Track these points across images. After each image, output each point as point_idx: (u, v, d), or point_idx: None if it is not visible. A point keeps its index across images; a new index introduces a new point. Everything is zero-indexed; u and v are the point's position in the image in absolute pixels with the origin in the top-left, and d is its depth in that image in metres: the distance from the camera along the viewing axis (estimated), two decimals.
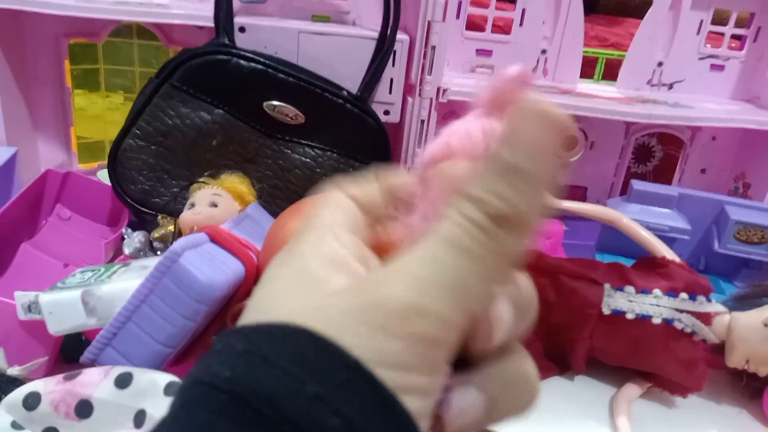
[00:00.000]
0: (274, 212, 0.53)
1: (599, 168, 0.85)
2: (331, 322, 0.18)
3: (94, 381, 0.39)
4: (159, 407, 0.39)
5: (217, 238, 0.44)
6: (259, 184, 0.63)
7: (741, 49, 0.81)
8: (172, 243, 0.53)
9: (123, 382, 0.39)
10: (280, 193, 0.64)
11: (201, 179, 0.57)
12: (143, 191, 0.62)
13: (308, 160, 0.64)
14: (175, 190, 0.62)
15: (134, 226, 0.63)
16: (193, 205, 0.54)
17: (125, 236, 0.55)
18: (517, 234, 0.18)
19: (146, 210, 0.62)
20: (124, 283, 0.43)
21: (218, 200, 0.54)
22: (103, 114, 0.76)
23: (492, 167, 0.18)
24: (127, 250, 0.53)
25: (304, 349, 0.17)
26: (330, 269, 0.20)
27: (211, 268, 0.41)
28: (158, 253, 0.54)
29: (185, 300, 0.40)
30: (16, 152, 0.63)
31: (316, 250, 0.21)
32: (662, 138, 0.87)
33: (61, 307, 0.42)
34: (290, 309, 0.19)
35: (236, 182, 0.57)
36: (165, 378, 0.40)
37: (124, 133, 0.61)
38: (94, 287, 0.43)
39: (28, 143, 0.71)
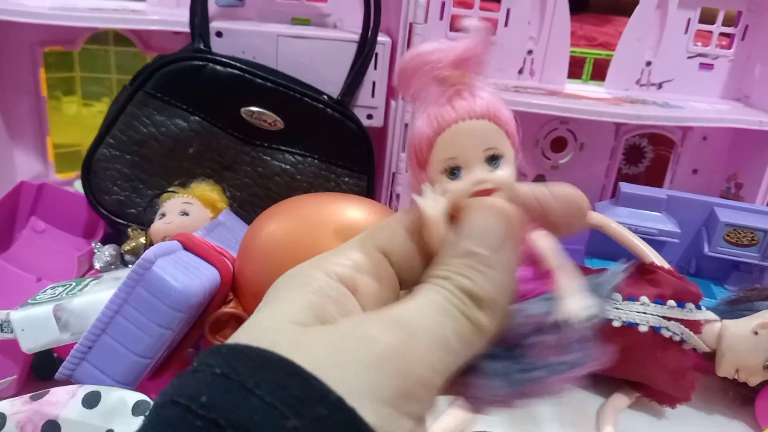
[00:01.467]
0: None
1: (589, 170, 0.84)
2: (315, 355, 0.18)
3: (61, 401, 0.38)
4: (128, 427, 0.38)
5: (190, 246, 0.43)
6: (238, 192, 0.62)
7: (730, 47, 0.80)
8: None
9: (91, 401, 0.38)
10: (259, 201, 0.62)
11: (171, 188, 0.55)
12: (118, 202, 0.61)
13: (288, 166, 0.62)
14: (149, 199, 0.60)
15: (110, 238, 0.61)
16: (163, 215, 0.52)
17: (95, 250, 0.53)
18: (487, 309, 0.21)
19: (121, 221, 0.61)
20: (96, 295, 0.42)
21: (189, 209, 0.53)
22: (80, 122, 0.74)
23: (453, 252, 0.22)
24: (97, 264, 0.52)
25: (284, 381, 0.17)
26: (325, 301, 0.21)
27: (186, 275, 0.40)
28: (129, 265, 0.52)
29: (161, 308, 0.39)
30: None
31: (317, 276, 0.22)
32: (653, 139, 0.86)
33: (33, 323, 0.41)
34: (275, 337, 0.19)
35: (207, 190, 0.56)
36: (134, 397, 0.38)
37: (97, 142, 0.60)
38: (65, 301, 0.42)
39: (4, 154, 0.69)
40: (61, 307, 0.41)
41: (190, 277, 0.39)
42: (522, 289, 0.25)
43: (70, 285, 0.45)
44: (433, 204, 0.25)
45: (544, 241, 0.26)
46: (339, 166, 0.64)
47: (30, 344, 0.41)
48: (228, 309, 0.45)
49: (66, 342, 0.42)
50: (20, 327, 0.41)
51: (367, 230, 0.25)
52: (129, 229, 0.56)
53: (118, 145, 0.60)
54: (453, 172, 0.25)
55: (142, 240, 0.54)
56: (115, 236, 0.61)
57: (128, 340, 0.39)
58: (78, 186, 0.72)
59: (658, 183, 0.86)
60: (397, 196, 0.72)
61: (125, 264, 0.53)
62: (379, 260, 0.23)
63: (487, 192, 0.25)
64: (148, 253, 0.38)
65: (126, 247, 0.54)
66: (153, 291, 0.38)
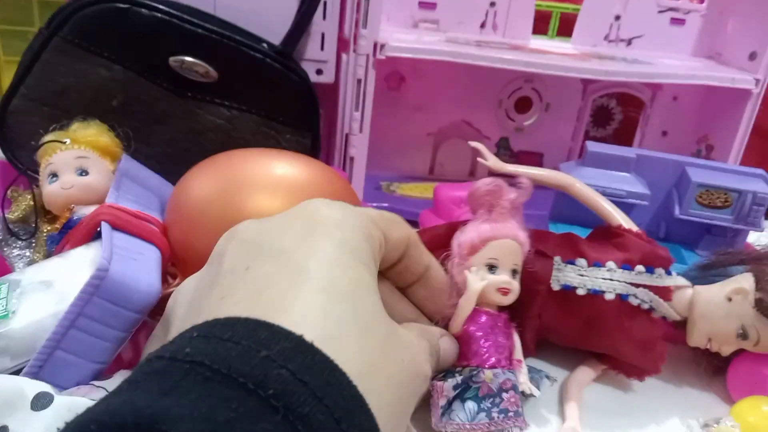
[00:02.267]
0: None
1: (556, 132, 0.80)
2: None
3: None
4: (26, 423, 0.32)
5: (120, 225, 0.37)
6: (169, 148, 0.56)
7: (701, 2, 0.75)
8: (36, 223, 0.45)
9: None
10: (192, 157, 0.56)
11: (49, 137, 0.46)
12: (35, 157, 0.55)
13: (223, 121, 0.57)
14: None
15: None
16: (54, 176, 0.45)
17: None
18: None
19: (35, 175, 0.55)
20: (33, 315, 0.36)
21: (86, 164, 0.44)
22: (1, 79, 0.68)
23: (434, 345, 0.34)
24: None
25: (253, 329, 0.21)
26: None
27: (140, 269, 0.35)
28: (20, 238, 0.45)
29: (123, 314, 0.34)
30: None
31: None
32: (622, 99, 0.82)
33: None
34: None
35: (95, 134, 0.47)
36: (34, 388, 0.33)
37: (11, 93, 0.53)
38: (1, 327, 0.35)
39: None
40: None
41: (144, 271, 0.34)
42: (501, 361, 0.40)
43: None
44: (477, 281, 0.40)
45: (516, 339, 0.43)
46: (280, 122, 0.58)
47: None
48: (172, 288, 0.40)
49: (10, 368, 0.36)
50: None
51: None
52: (9, 191, 0.48)
53: (34, 95, 0.54)
54: (492, 267, 0.41)
55: (28, 204, 0.47)
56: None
57: (84, 350, 0.34)
58: None
59: (626, 145, 0.82)
60: (351, 159, 0.67)
61: (14, 235, 0.45)
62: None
63: (506, 291, 0.41)
64: (103, 261, 0.33)
65: (12, 215, 0.46)
66: (112, 298, 0.33)
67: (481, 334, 0.40)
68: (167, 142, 0.57)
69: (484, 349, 0.40)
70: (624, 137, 0.83)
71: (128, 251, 0.36)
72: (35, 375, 0.34)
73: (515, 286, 0.41)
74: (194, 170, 0.46)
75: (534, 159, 0.81)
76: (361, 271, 0.26)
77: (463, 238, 0.42)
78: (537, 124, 0.78)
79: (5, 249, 0.44)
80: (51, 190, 0.44)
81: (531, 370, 0.44)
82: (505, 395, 0.39)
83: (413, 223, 0.69)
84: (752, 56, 0.71)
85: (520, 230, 0.42)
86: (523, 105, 0.78)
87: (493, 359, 0.40)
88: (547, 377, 0.45)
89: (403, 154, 0.79)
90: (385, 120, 0.74)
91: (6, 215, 0.46)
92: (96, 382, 0.35)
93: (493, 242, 0.40)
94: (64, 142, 0.45)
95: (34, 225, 0.45)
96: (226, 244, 0.28)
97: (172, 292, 0.38)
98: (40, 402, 0.32)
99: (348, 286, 0.24)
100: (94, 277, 0.33)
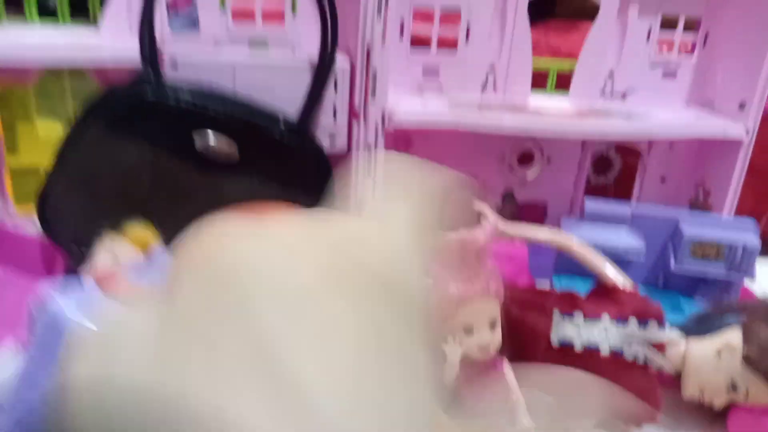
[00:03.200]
0: None
1: (558, 183, 0.83)
2: None
3: None
4: None
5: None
6: (194, 221, 0.61)
7: (692, 53, 0.79)
8: None
9: None
10: None
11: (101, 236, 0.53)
12: (74, 234, 0.59)
13: (244, 195, 0.61)
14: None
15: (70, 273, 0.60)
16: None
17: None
18: None
19: (80, 252, 0.60)
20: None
21: (120, 253, 0.51)
22: (39, 159, 0.73)
23: None
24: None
25: None
26: None
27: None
28: None
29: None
30: None
31: None
32: (620, 148, 0.85)
33: None
34: None
35: (138, 231, 0.53)
36: None
37: (50, 177, 0.58)
38: None
39: None
40: None
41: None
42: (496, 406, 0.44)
43: None
44: (453, 351, 0.43)
45: (510, 374, 0.46)
46: (297, 193, 0.62)
47: None
48: None
49: None
50: None
51: None
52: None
53: (71, 178, 0.59)
54: (468, 330, 0.44)
55: None
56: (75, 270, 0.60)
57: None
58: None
59: (627, 192, 0.86)
60: None
61: None
62: None
63: (486, 348, 0.45)
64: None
65: None
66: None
67: (468, 389, 0.45)
68: (193, 217, 0.60)
69: (471, 403, 0.45)
70: (624, 184, 0.86)
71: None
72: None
73: (495, 339, 0.46)
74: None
75: (538, 209, 0.84)
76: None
77: (442, 299, 0.44)
78: (540, 177, 0.82)
79: None
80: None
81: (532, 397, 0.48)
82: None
83: None
84: (742, 106, 0.75)
85: (490, 278, 0.45)
86: (526, 159, 0.82)
87: (486, 408, 0.45)
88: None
89: None
90: None
91: None
92: None
93: (464, 307, 0.44)
94: (109, 238, 0.51)
95: None
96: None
97: None
98: None
99: None
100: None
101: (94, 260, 0.50)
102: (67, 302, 0.38)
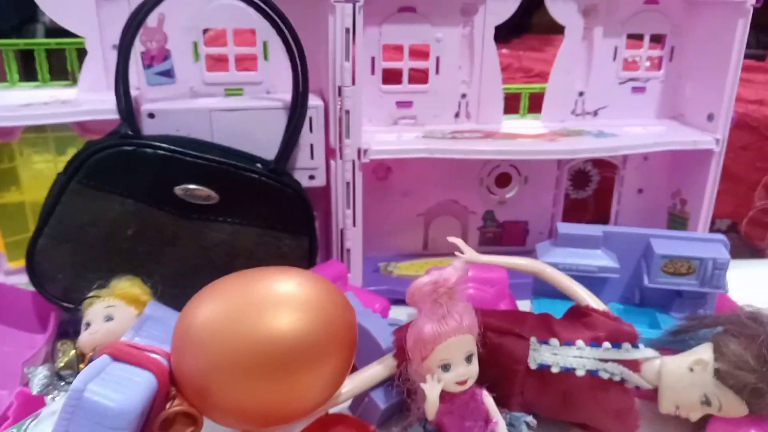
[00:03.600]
0: None
1: (537, 201, 0.85)
2: None
3: None
4: None
5: (118, 356, 0.43)
6: (180, 265, 0.63)
7: (659, 69, 0.81)
8: (77, 368, 0.52)
9: None
10: (203, 271, 0.63)
11: (90, 294, 0.55)
12: (64, 288, 0.61)
13: (226, 236, 0.63)
14: (96, 282, 0.60)
15: (64, 325, 0.62)
16: (88, 325, 0.52)
17: (28, 375, 0.53)
18: None
19: (69, 305, 0.61)
20: None
21: (113, 312, 0.52)
22: (25, 211, 0.75)
23: None
24: (34, 390, 0.51)
25: None
26: None
27: (120, 391, 0.40)
28: (66, 382, 0.52)
29: (103, 431, 0.39)
30: None
31: None
32: (597, 162, 0.87)
33: None
34: None
35: (127, 287, 0.55)
36: None
37: (36, 234, 0.60)
38: None
39: None
40: None
41: (124, 393, 0.40)
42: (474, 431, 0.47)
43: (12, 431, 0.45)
44: (432, 388, 0.46)
45: (489, 399, 0.49)
46: (278, 230, 0.64)
47: None
48: (174, 408, 0.45)
49: None
50: None
51: None
52: (58, 344, 0.56)
53: (57, 234, 0.60)
54: (445, 366, 0.46)
55: (73, 353, 0.54)
56: (70, 323, 0.61)
57: None
58: None
59: (606, 204, 0.87)
60: (347, 251, 0.73)
61: (62, 379, 0.53)
62: None
63: (463, 382, 0.47)
64: (77, 382, 0.38)
65: (59, 364, 0.54)
66: (92, 417, 0.39)
67: (449, 419, 0.48)
68: (179, 261, 0.63)
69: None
70: (603, 197, 0.88)
71: (117, 375, 0.42)
72: None
73: (472, 371, 0.47)
74: (196, 298, 0.50)
75: (519, 227, 0.86)
76: None
77: (411, 345, 0.47)
78: (518, 196, 0.84)
79: (54, 392, 0.51)
80: (83, 337, 0.52)
81: (512, 417, 0.51)
82: None
83: None
84: (710, 117, 0.77)
85: (465, 315, 0.47)
86: (503, 180, 0.83)
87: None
88: (527, 423, 0.51)
89: (397, 235, 0.85)
90: (377, 206, 0.81)
91: (55, 364, 0.53)
92: None
93: (440, 346, 0.46)
94: (98, 297, 0.53)
95: (77, 371, 0.52)
96: None
97: (172, 412, 0.44)
98: None
99: None
100: (70, 398, 0.39)
101: (91, 328, 0.52)
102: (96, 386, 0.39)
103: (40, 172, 0.75)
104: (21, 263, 0.76)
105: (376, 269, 0.81)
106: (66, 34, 0.70)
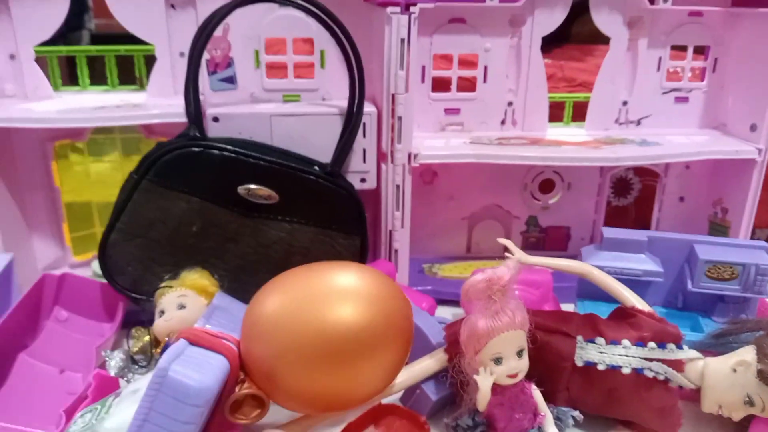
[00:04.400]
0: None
1: (579, 206, 0.87)
2: None
3: None
4: None
5: (195, 340, 0.46)
6: (241, 260, 0.66)
7: (702, 80, 0.83)
8: (151, 352, 0.56)
9: None
10: (262, 267, 0.66)
11: (163, 284, 0.59)
12: (133, 281, 0.65)
13: (285, 234, 0.66)
14: (163, 275, 0.64)
15: (131, 316, 0.65)
16: (162, 312, 0.56)
17: (106, 358, 0.57)
18: None
19: (138, 296, 0.65)
20: (123, 413, 0.46)
21: (185, 301, 0.56)
22: (90, 208, 0.79)
23: None
24: (111, 372, 0.55)
25: None
26: None
27: (199, 372, 0.44)
28: (140, 366, 0.56)
29: (184, 408, 0.43)
30: (12, 258, 0.66)
31: None
32: (639, 170, 0.89)
33: None
34: None
35: (197, 278, 0.59)
36: None
37: (109, 229, 0.64)
38: (97, 426, 0.46)
39: (24, 246, 0.74)
40: None
41: (203, 373, 0.43)
42: (524, 424, 0.50)
43: (96, 409, 0.49)
44: (485, 380, 0.48)
45: (537, 393, 0.51)
46: (333, 230, 0.68)
47: None
48: (244, 391, 0.48)
49: None
50: None
51: None
52: (133, 330, 0.59)
53: (128, 229, 0.64)
54: (497, 360, 0.49)
55: (147, 338, 0.58)
56: (135, 314, 0.65)
57: None
58: (95, 266, 0.77)
59: (647, 213, 0.89)
60: (395, 251, 0.76)
61: (135, 363, 0.56)
62: None
63: (514, 375, 0.49)
64: (162, 361, 0.42)
65: (134, 348, 0.58)
66: (174, 395, 0.42)
67: (499, 411, 0.50)
68: (240, 257, 0.66)
69: (503, 423, 0.50)
70: (644, 204, 0.90)
71: (195, 358, 0.46)
72: None
73: (522, 365, 0.50)
74: (265, 290, 0.54)
75: (562, 232, 0.88)
76: None
77: (466, 339, 0.50)
78: (561, 202, 0.86)
79: (129, 375, 0.55)
80: (157, 324, 0.56)
81: (559, 412, 0.53)
82: None
83: (456, 303, 0.77)
84: (753, 127, 0.78)
85: (517, 311, 0.49)
86: (547, 186, 0.86)
87: (515, 426, 0.50)
88: (573, 417, 0.53)
89: (442, 238, 0.87)
90: (423, 209, 0.84)
91: (129, 349, 0.57)
92: None
93: (493, 340, 0.49)
94: (171, 287, 0.56)
95: (150, 355, 0.56)
96: None
97: (242, 394, 0.47)
98: None
99: None
100: (156, 377, 0.42)
101: (165, 314, 0.56)
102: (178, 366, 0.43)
103: (106, 171, 0.79)
104: (86, 257, 0.81)
105: (421, 270, 0.84)
106: (109, 41, 0.75)
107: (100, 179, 0.79)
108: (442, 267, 0.85)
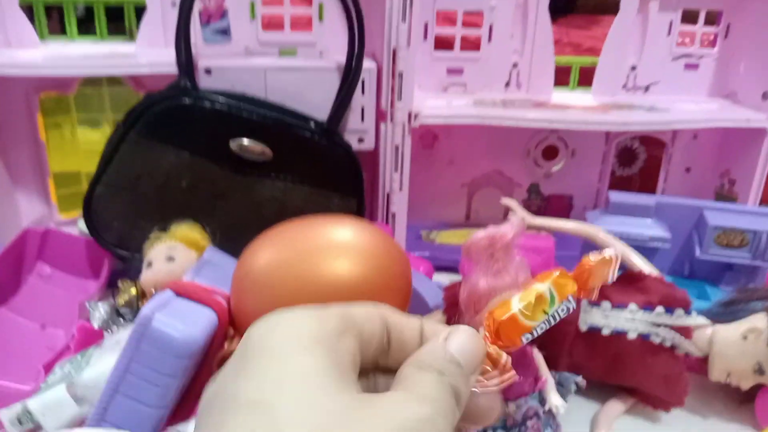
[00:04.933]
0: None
1: (583, 175, 0.85)
2: None
3: None
4: None
5: (182, 292, 0.44)
6: (231, 219, 0.63)
7: (713, 46, 0.80)
8: (137, 306, 0.53)
9: None
10: (253, 226, 0.63)
11: (152, 235, 0.56)
12: (119, 236, 0.63)
13: (278, 193, 0.64)
14: (149, 232, 0.62)
15: (116, 275, 0.63)
16: (150, 264, 0.54)
17: (89, 308, 0.54)
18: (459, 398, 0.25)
19: (124, 252, 0.63)
20: (102, 364, 0.44)
21: (174, 253, 0.54)
22: (77, 152, 0.77)
23: (444, 357, 0.25)
24: (95, 324, 0.53)
25: None
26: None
27: (185, 323, 0.42)
28: (125, 319, 0.54)
29: (167, 360, 0.40)
30: None
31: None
32: (644, 140, 0.86)
33: (52, 406, 0.43)
34: None
35: (187, 231, 0.56)
36: None
37: (94, 182, 0.62)
38: (76, 377, 0.43)
39: (8, 200, 0.71)
40: (74, 383, 0.43)
41: (188, 325, 0.41)
42: (524, 388, 0.46)
43: (77, 360, 0.46)
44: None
45: (539, 357, 0.48)
46: (328, 190, 0.65)
47: (54, 426, 0.43)
48: (233, 347, 0.46)
49: (88, 413, 0.43)
50: (41, 413, 0.43)
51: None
52: (119, 282, 0.57)
53: (114, 183, 0.62)
54: None
55: (133, 291, 0.55)
56: (121, 273, 0.63)
57: (141, 394, 0.40)
58: (82, 225, 0.74)
59: (652, 183, 0.87)
60: (393, 215, 0.74)
61: (121, 316, 0.54)
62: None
63: None
64: (145, 309, 0.39)
65: (120, 301, 0.55)
66: (156, 345, 0.40)
67: None
68: (230, 215, 0.64)
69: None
70: (649, 175, 0.87)
71: (182, 310, 0.43)
72: (102, 416, 0.40)
73: None
74: (256, 243, 0.51)
75: (564, 201, 0.86)
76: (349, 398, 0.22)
77: (466, 297, 0.47)
78: (564, 170, 0.84)
79: (114, 328, 0.53)
80: (145, 275, 0.53)
81: (561, 377, 0.49)
82: (529, 423, 0.46)
83: (454, 270, 0.75)
84: (765, 95, 0.75)
85: (520, 271, 0.46)
86: (550, 153, 0.83)
87: (516, 391, 0.46)
88: (576, 383, 0.49)
89: (441, 204, 0.85)
90: (422, 174, 0.81)
91: (115, 301, 0.55)
92: (173, 427, 0.41)
93: (494, 300, 0.45)
94: (160, 239, 0.54)
95: (136, 308, 0.54)
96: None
97: (230, 351, 0.45)
98: None
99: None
100: (138, 325, 0.40)
101: (152, 266, 0.53)
102: (162, 315, 0.40)
103: (95, 139, 0.76)
104: (72, 215, 0.78)
105: (418, 236, 0.82)
106: None
107: (90, 148, 0.76)
108: (440, 234, 0.83)
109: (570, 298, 0.38)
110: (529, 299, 0.38)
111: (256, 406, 0.21)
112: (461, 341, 0.26)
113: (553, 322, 0.37)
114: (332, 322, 0.25)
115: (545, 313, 0.37)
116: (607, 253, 0.37)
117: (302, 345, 0.23)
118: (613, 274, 0.39)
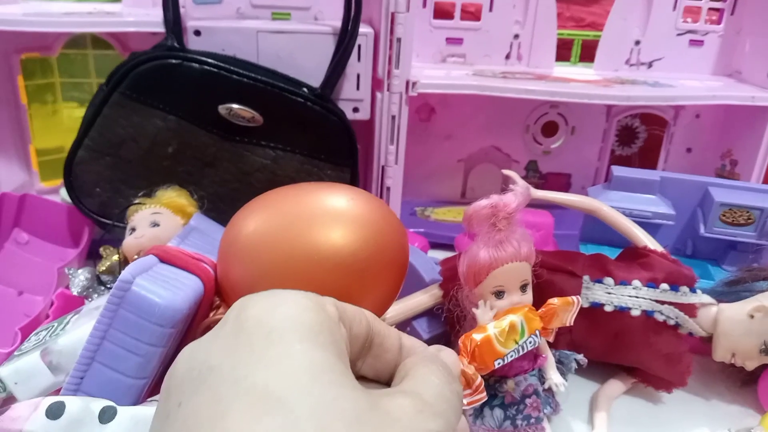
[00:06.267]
0: None
1: (582, 153, 0.83)
2: None
3: (23, 415, 0.37)
4: None
5: (166, 258, 0.41)
6: (219, 188, 0.61)
7: (719, 23, 0.78)
8: (119, 272, 0.51)
9: (55, 412, 0.37)
10: (242, 196, 0.60)
11: (137, 200, 0.54)
12: (101, 203, 0.60)
13: (269, 161, 0.61)
14: (133, 199, 0.59)
15: (96, 245, 0.60)
16: (133, 230, 0.51)
17: (69, 275, 0.52)
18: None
19: (106, 221, 0.60)
20: (80, 330, 0.41)
21: (159, 218, 0.51)
22: (62, 129, 0.73)
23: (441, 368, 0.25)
24: (74, 290, 0.50)
25: None
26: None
27: (167, 289, 0.39)
28: (107, 286, 0.51)
29: (147, 327, 0.37)
30: None
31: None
32: (645, 118, 0.84)
33: (24, 374, 0.40)
34: None
35: (174, 196, 0.54)
36: (99, 404, 0.37)
37: (76, 145, 0.59)
38: (50, 344, 0.41)
39: None
40: (48, 350, 0.40)
41: (172, 291, 0.38)
42: (524, 366, 0.44)
43: (52, 326, 0.44)
44: (484, 314, 0.43)
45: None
46: (321, 160, 0.62)
47: (27, 395, 0.41)
48: (218, 316, 0.44)
49: (63, 383, 0.41)
50: (12, 381, 0.40)
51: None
52: (101, 249, 0.54)
53: (97, 147, 0.59)
54: (499, 293, 0.43)
55: (116, 258, 0.52)
56: (103, 241, 0.60)
57: (119, 363, 0.38)
58: (64, 194, 0.71)
59: (652, 163, 0.85)
60: (387, 189, 0.71)
61: (102, 284, 0.51)
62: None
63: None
64: (125, 273, 0.37)
65: (101, 267, 0.52)
66: (136, 311, 0.37)
67: None
68: (218, 183, 0.61)
69: None
70: (649, 155, 0.85)
71: (165, 276, 0.40)
72: (78, 386, 0.38)
73: (526, 301, 0.44)
74: (244, 210, 0.49)
75: (562, 180, 0.84)
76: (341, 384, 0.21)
77: (466, 269, 0.44)
78: (564, 147, 0.82)
79: (95, 296, 0.50)
80: (127, 241, 0.50)
81: (561, 355, 0.48)
82: (528, 401, 0.44)
83: (449, 247, 0.73)
84: None
85: (522, 242, 0.43)
86: (550, 129, 0.81)
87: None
88: (576, 360, 0.47)
89: (436, 180, 0.83)
90: (418, 149, 0.79)
91: (96, 268, 0.52)
92: (154, 398, 0.39)
93: (495, 271, 0.43)
94: (144, 204, 0.51)
95: (118, 275, 0.51)
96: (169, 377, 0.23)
97: (215, 320, 0.43)
98: (106, 415, 0.36)
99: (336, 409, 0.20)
100: (117, 289, 0.37)
101: (136, 231, 0.50)
102: (144, 280, 0.38)
103: (77, 90, 0.73)
104: (54, 183, 0.75)
105: (413, 212, 0.80)
106: None
107: (75, 125, 0.73)
108: (436, 210, 0.81)
109: (537, 332, 0.43)
110: (502, 326, 0.41)
111: (266, 398, 0.20)
112: (453, 358, 0.28)
113: (521, 352, 0.42)
114: (329, 310, 0.24)
115: (516, 342, 0.42)
116: (571, 297, 0.44)
117: (306, 334, 0.22)
118: (571, 317, 0.44)
